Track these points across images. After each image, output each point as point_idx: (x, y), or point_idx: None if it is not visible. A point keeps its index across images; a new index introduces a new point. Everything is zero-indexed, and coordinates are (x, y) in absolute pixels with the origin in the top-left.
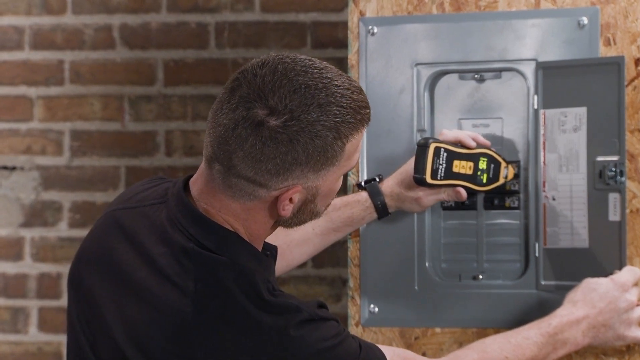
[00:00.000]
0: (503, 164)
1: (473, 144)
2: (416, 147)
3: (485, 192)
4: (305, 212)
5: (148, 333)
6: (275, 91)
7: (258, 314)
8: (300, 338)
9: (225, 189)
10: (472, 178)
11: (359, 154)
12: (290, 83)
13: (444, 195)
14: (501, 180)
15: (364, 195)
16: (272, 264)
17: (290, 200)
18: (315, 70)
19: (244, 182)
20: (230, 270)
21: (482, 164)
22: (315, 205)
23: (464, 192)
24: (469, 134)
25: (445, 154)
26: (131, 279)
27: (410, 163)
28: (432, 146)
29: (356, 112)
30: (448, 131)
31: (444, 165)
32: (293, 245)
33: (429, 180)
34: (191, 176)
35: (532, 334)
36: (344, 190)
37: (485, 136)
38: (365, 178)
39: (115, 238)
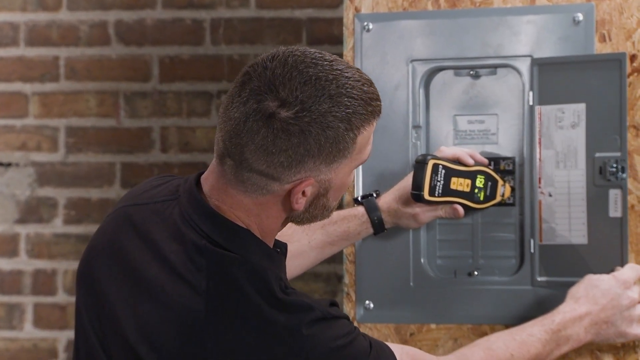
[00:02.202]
0: (500, 182)
1: (471, 161)
2: (414, 163)
3: (482, 209)
4: (317, 207)
5: (160, 331)
6: (286, 83)
7: (270, 312)
8: (312, 337)
9: (237, 184)
10: (470, 195)
11: (371, 147)
12: (300, 75)
13: (441, 212)
14: (498, 198)
15: (360, 210)
16: (283, 260)
17: (303, 193)
18: (326, 63)
19: (256, 176)
20: (242, 267)
21: (480, 182)
22: (327, 199)
23: (461, 210)
24: (467, 151)
25: (443, 171)
26: (143, 276)
27: (408, 179)
28: (431, 163)
29: (367, 103)
30: (446, 148)
31: (442, 182)
32: (288, 258)
33: (426, 197)
34: (202, 173)
35: (535, 330)
36: (339, 205)
37: (481, 132)
38: (362, 193)
39: (126, 235)
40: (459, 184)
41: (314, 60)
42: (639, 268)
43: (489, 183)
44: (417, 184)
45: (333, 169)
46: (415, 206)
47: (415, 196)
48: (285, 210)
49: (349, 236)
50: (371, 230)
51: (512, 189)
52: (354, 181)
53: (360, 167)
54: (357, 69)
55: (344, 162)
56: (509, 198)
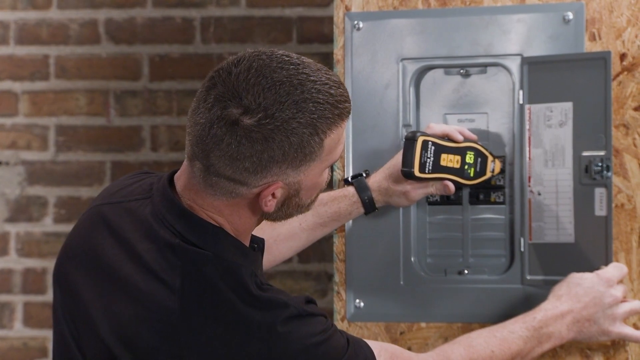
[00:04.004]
0: (490, 158)
1: (460, 137)
2: (404, 140)
3: (473, 185)
4: (290, 206)
5: (134, 329)
6: (249, 89)
7: (245, 309)
8: (287, 334)
9: (206, 187)
10: (460, 172)
11: (343, 146)
12: (265, 80)
13: (432, 189)
14: (488, 174)
15: (350, 190)
16: (260, 256)
17: (273, 195)
18: (292, 67)
19: (223, 180)
20: (216, 265)
21: (470, 158)
22: (300, 199)
23: (452, 186)
24: (457, 128)
25: (433, 148)
26: (117, 275)
27: (398, 157)
28: (420, 139)
29: (334, 107)
30: (435, 125)
31: (432, 158)
32: (280, 240)
33: (417, 173)
34: (176, 171)
35: (517, 327)
36: (329, 185)
37: (471, 131)
38: (352, 173)
39: (100, 234)
40: (449, 160)
41: (280, 65)
42: (623, 267)
43: (479, 159)
44: (407, 161)
45: (302, 172)
46: (406, 184)
47: (406, 173)
48: (256, 212)
49: (340, 217)
50: (362, 210)
51: (502, 167)
52: (344, 160)
53: (351, 165)
54: (326, 70)
55: (313, 164)
56: (499, 174)
